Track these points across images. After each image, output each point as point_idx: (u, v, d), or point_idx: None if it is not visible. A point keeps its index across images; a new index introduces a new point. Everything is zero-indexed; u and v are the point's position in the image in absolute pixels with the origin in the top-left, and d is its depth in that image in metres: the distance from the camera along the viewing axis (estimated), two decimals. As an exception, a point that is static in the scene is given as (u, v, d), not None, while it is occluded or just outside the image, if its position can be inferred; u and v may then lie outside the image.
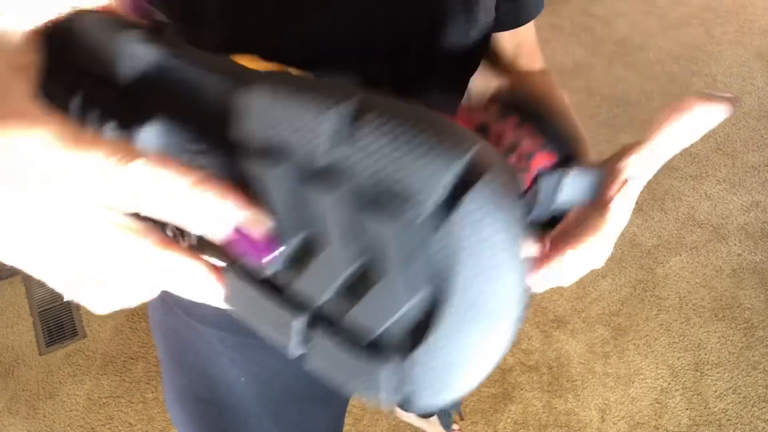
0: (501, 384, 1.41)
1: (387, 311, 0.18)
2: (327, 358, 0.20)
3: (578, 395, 1.38)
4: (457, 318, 0.17)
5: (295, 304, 0.20)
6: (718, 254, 1.65)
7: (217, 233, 0.20)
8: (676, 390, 1.39)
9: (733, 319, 1.51)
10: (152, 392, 1.41)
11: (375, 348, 0.19)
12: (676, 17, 2.61)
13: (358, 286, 0.19)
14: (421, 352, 0.18)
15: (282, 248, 0.20)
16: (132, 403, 1.39)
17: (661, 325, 1.50)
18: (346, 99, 0.17)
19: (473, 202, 0.16)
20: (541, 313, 1.54)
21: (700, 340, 1.47)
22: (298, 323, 0.20)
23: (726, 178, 1.87)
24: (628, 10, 2.66)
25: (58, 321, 1.55)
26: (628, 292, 1.58)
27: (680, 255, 1.66)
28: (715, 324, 1.50)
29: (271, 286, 0.21)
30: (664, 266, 1.63)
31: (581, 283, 1.59)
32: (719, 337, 1.47)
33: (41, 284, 1.58)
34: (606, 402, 1.37)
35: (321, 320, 0.20)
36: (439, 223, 0.16)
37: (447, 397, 0.18)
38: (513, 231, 0.16)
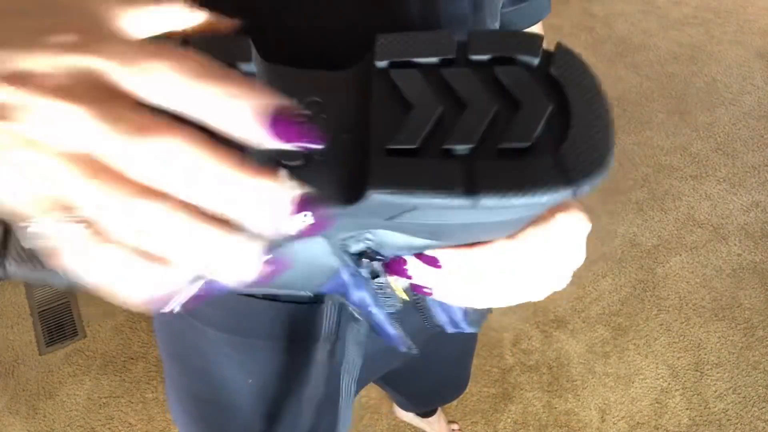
0: (501, 384, 1.41)
1: (532, 126, 0.25)
2: (495, 180, 0.24)
3: (578, 395, 1.38)
4: (581, 112, 0.25)
5: (446, 158, 0.25)
6: (718, 254, 1.65)
7: None
8: (676, 390, 1.39)
9: (733, 319, 1.51)
10: (152, 392, 1.41)
11: (531, 154, 0.25)
12: (676, 17, 2.61)
13: (496, 125, 0.25)
14: (568, 144, 0.24)
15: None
16: (132, 403, 1.39)
17: (661, 325, 1.50)
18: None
19: (564, 50, 0.26)
20: (541, 313, 1.54)
21: (700, 340, 1.47)
22: (460, 168, 0.24)
23: (726, 178, 1.87)
24: (628, 10, 2.66)
25: (58, 321, 1.55)
26: (628, 292, 1.58)
27: (680, 255, 1.66)
28: (715, 324, 1.50)
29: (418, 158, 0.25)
30: (664, 266, 1.63)
31: (581, 283, 1.59)
32: (719, 337, 1.47)
33: (41, 284, 1.57)
34: (606, 402, 1.37)
35: (477, 159, 0.25)
36: (546, 66, 0.26)
37: (597, 170, 0.24)
38: (585, 63, 0.26)
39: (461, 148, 0.24)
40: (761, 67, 2.30)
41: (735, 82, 2.24)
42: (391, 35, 0.27)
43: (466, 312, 0.39)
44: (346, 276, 0.33)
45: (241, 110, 0.17)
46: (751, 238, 1.69)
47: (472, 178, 0.24)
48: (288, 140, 0.18)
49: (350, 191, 0.24)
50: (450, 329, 0.40)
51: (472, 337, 0.77)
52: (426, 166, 0.24)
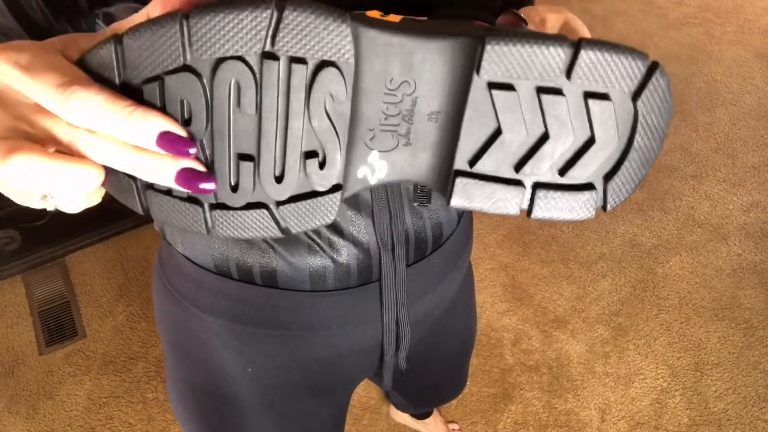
0: (501, 384, 1.41)
1: (594, 165, 0.29)
2: (549, 209, 0.29)
3: (578, 395, 1.38)
4: (636, 155, 0.29)
5: (517, 185, 0.29)
6: (718, 254, 1.66)
7: None
8: (676, 390, 1.39)
9: (733, 319, 1.51)
10: (152, 392, 1.41)
11: (584, 188, 0.29)
12: (676, 17, 2.61)
13: (566, 158, 0.29)
14: (614, 182, 0.29)
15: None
16: (132, 403, 1.39)
17: (661, 325, 1.51)
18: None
19: (658, 81, 0.27)
20: (541, 313, 1.54)
21: (700, 340, 1.47)
22: (525, 196, 0.29)
23: (726, 178, 1.87)
24: (628, 10, 2.67)
25: (58, 321, 1.55)
26: (628, 292, 1.58)
27: (680, 255, 1.66)
28: (715, 324, 1.50)
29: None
30: (664, 266, 1.63)
31: (581, 283, 1.59)
32: (719, 337, 1.47)
33: (41, 284, 1.57)
34: (606, 402, 1.37)
35: (539, 188, 0.29)
36: (637, 95, 0.27)
37: (623, 201, 0.30)
38: (670, 100, 0.28)
39: (531, 178, 0.29)
40: (761, 67, 2.30)
41: (735, 82, 2.24)
42: (501, 39, 0.26)
43: None
44: None
45: (154, 174, 0.26)
46: (751, 238, 1.69)
47: (532, 205, 0.29)
48: (189, 189, 0.26)
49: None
50: None
51: (470, 336, 0.77)
52: (499, 192, 0.29)
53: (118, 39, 0.25)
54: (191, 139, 0.26)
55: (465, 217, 0.57)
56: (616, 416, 1.35)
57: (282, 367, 0.53)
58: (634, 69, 0.26)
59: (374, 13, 0.28)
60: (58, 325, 1.54)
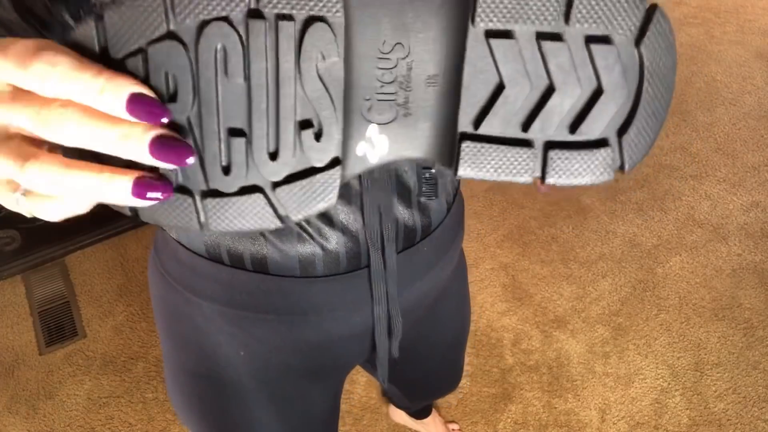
0: (501, 384, 1.41)
1: (605, 119, 0.27)
2: (564, 171, 0.28)
3: (578, 395, 1.38)
4: (647, 105, 0.27)
5: (526, 146, 0.28)
6: (718, 254, 1.66)
7: None
8: (676, 390, 1.39)
9: (733, 319, 1.51)
10: (152, 392, 1.41)
11: (598, 144, 0.28)
12: (676, 17, 2.61)
13: (575, 113, 0.27)
14: (628, 137, 0.27)
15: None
16: (132, 403, 1.39)
17: (661, 325, 1.51)
18: None
19: (659, 22, 0.26)
20: (541, 313, 1.54)
21: (700, 340, 1.47)
22: (537, 158, 0.28)
23: (726, 178, 1.87)
24: (628, 10, 2.66)
25: (58, 321, 1.55)
26: (628, 292, 1.58)
27: (680, 255, 1.66)
28: (715, 324, 1.50)
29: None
30: (664, 266, 1.63)
31: (581, 283, 1.59)
32: (719, 337, 1.47)
33: (41, 284, 1.57)
34: (606, 402, 1.37)
35: (551, 148, 0.28)
36: (640, 38, 0.26)
37: (641, 158, 0.28)
38: (672, 40, 0.27)
39: (541, 136, 0.28)
40: (761, 67, 2.30)
41: (735, 82, 2.24)
42: None
43: None
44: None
45: (127, 147, 0.24)
46: (751, 238, 1.69)
47: (545, 169, 0.28)
48: (167, 161, 0.25)
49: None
50: None
51: (464, 327, 0.77)
52: (509, 155, 0.28)
53: (98, 15, 0.24)
54: (170, 112, 0.25)
55: (455, 205, 0.57)
56: (616, 416, 1.35)
57: (274, 350, 0.53)
58: (634, 9, 0.26)
59: None
60: (58, 325, 1.54)
